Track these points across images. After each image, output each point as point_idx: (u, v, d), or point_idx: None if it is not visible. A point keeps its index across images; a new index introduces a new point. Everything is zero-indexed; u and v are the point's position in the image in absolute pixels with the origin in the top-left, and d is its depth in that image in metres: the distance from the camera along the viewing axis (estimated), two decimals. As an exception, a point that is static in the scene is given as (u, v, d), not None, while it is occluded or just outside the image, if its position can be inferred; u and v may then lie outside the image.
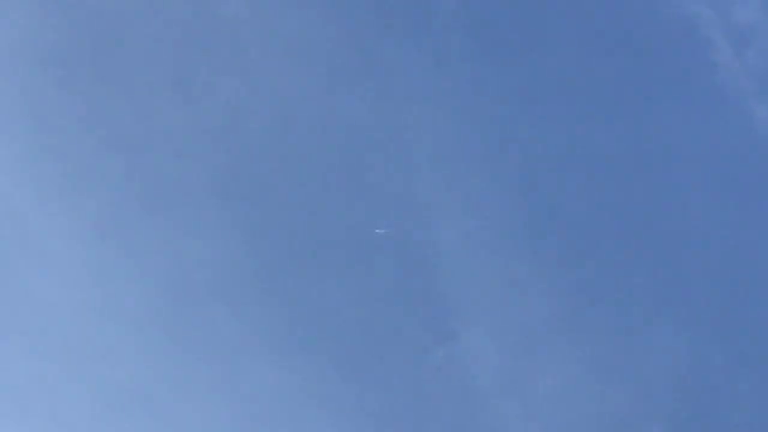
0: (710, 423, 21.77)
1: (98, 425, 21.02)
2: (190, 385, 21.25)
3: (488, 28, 23.39)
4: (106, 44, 22.51)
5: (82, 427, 21.03)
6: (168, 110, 22.45)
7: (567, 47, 23.54)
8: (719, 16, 24.54)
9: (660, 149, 23.74)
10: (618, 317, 22.64)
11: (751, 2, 24.77)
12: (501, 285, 22.10)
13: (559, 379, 21.79)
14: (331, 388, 21.16)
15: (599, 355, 22.16)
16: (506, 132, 23.13)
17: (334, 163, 22.45)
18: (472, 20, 23.36)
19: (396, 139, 22.58)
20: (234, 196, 22.07)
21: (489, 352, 21.72)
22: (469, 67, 23.21)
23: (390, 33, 23.11)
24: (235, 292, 21.60)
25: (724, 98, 24.14)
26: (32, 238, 21.65)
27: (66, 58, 22.39)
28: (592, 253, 22.81)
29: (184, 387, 21.21)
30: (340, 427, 21.09)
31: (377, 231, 20.88)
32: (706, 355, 22.19)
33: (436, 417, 21.27)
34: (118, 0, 22.61)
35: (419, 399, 21.24)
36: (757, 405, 22.14)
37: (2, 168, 21.69)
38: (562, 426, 21.43)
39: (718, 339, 22.35)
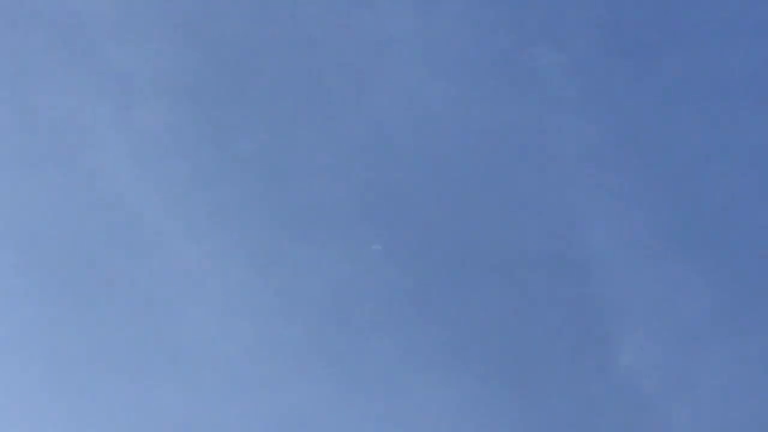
0: None
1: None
2: (352, 411, 21.22)
3: (628, 28, 23.05)
4: (245, 72, 22.84)
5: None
6: (311, 132, 22.59)
7: (709, 43, 23.04)
8: None
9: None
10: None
11: None
12: (658, 285, 21.59)
13: (726, 378, 21.11)
14: (494, 402, 20.92)
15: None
16: (652, 132, 22.66)
17: (479, 174, 22.29)
18: (612, 20, 23.04)
19: (541, 145, 22.37)
20: (384, 215, 22.06)
21: (651, 354, 21.21)
22: (610, 68, 22.86)
23: (526, 36, 22.94)
24: (392, 313, 21.55)
25: None
26: (185, 272, 21.97)
27: (205, 89, 22.75)
28: (749, 245, 22.15)
29: (346, 414, 21.19)
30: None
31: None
32: None
33: (602, 423, 20.80)
34: (255, 27, 22.93)
35: (584, 406, 20.84)
36: None
37: (153, 201, 22.14)
38: (733, 426, 20.73)
39: None
